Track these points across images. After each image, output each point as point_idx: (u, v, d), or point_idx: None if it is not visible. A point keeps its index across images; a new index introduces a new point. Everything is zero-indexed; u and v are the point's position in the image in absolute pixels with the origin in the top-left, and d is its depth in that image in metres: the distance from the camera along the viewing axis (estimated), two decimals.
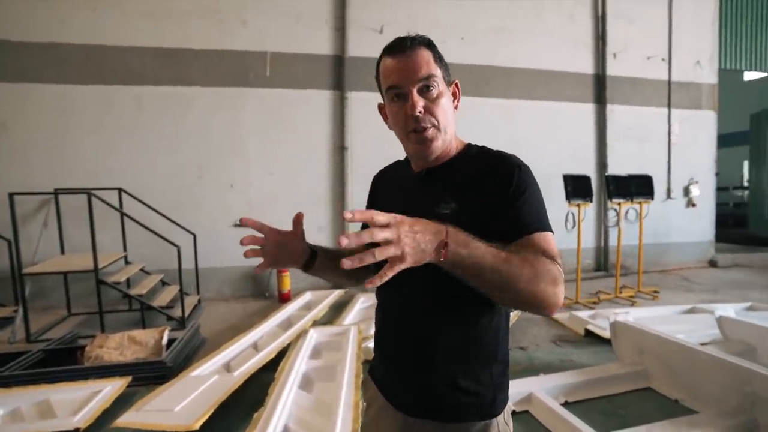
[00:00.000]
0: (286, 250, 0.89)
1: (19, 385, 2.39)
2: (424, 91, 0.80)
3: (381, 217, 0.55)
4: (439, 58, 0.82)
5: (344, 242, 0.53)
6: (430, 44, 0.82)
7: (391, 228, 0.57)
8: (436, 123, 0.81)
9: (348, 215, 0.53)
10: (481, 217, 0.76)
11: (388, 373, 0.91)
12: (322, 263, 0.94)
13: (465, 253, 0.62)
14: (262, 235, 0.86)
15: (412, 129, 0.81)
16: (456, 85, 0.86)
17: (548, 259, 0.70)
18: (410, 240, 0.57)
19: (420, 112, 0.79)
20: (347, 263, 0.55)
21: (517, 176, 0.77)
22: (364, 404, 1.01)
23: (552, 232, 0.77)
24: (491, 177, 0.79)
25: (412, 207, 0.84)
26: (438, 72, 0.81)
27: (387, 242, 0.56)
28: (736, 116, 9.62)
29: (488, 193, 0.78)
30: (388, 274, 0.57)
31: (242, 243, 0.83)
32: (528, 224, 0.75)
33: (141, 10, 4.51)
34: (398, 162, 1.02)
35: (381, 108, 0.90)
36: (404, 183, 0.93)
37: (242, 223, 0.85)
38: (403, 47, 0.80)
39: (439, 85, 0.81)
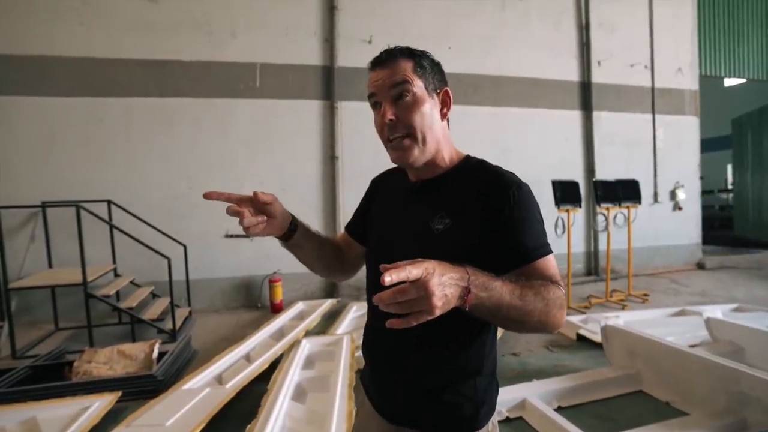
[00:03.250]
0: (269, 211, 0.83)
1: (5, 404, 2.33)
2: (398, 99, 0.81)
3: (415, 270, 0.56)
4: (421, 67, 0.82)
5: (387, 280, 0.54)
6: (411, 54, 0.83)
7: (421, 283, 0.57)
8: (410, 129, 0.80)
9: (388, 279, 0.54)
10: (476, 235, 0.77)
11: (373, 379, 0.93)
12: (303, 233, 0.91)
13: (485, 296, 0.63)
14: (233, 204, 0.80)
15: (387, 137, 0.83)
16: (446, 92, 0.86)
17: (554, 285, 0.73)
18: (439, 292, 0.58)
19: (391, 119, 0.80)
20: (382, 299, 0.56)
21: (515, 196, 0.77)
22: (356, 407, 1.03)
23: (552, 252, 0.78)
24: (488, 195, 0.78)
25: (406, 221, 0.87)
26: (415, 80, 0.80)
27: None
28: (717, 121, 9.86)
29: (484, 211, 0.78)
30: (412, 323, 0.58)
31: (230, 212, 0.78)
32: (530, 251, 0.76)
33: (129, 22, 4.51)
34: (399, 168, 0.98)
35: None
36: (401, 194, 0.93)
37: (207, 197, 0.78)
38: (380, 59, 0.83)
39: (416, 93, 0.80)
